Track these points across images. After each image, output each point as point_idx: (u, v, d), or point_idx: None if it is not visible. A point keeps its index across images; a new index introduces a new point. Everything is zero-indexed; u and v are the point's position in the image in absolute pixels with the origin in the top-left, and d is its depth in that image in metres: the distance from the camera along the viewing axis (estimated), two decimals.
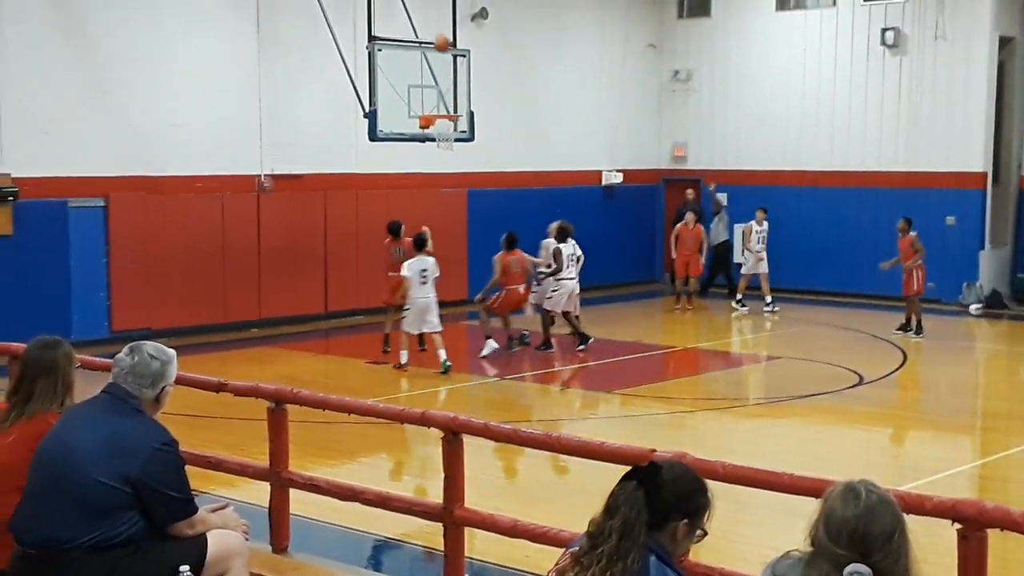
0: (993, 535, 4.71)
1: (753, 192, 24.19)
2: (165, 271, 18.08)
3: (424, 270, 15.40)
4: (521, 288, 17.17)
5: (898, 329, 18.71)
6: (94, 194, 17.46)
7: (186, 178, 18.33)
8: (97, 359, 7.65)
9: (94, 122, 17.36)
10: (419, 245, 15.60)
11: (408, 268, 15.40)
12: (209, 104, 18.45)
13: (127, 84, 17.67)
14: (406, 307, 15.52)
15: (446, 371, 15.21)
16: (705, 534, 3.68)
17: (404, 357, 15.59)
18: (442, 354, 15.36)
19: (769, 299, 21.48)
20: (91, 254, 17.48)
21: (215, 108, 18.53)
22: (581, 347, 17.31)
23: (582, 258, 18.22)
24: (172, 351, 5.15)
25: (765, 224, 21.71)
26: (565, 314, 17.42)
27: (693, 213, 21.91)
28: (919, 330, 18.60)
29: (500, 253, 17.10)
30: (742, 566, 5.33)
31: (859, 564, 3.12)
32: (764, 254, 21.66)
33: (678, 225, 22.05)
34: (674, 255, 21.92)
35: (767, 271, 21.67)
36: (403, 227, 16.87)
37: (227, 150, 18.72)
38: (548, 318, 17.32)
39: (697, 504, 3.66)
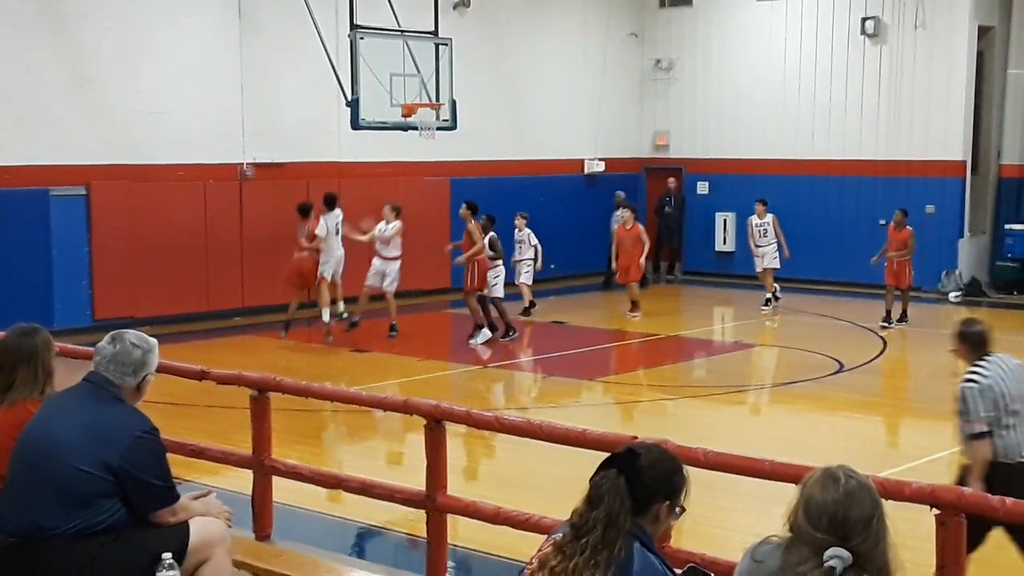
0: None
1: (734, 181, 24.28)
2: (147, 260, 18.02)
3: (337, 223, 16.94)
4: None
5: (884, 322, 18.53)
6: (76, 182, 17.39)
7: (168, 166, 18.27)
8: (79, 347, 7.64)
9: (75, 110, 17.29)
10: (329, 203, 16.97)
11: (324, 222, 16.77)
12: (191, 92, 18.38)
13: (108, 72, 17.59)
14: (323, 260, 16.84)
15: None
16: (684, 511, 3.72)
17: (327, 315, 16.69)
18: (341, 305, 17.21)
19: (768, 295, 20.51)
20: (73, 243, 17.41)
21: (197, 96, 18.46)
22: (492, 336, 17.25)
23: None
24: (154, 340, 5.15)
25: (767, 217, 20.69)
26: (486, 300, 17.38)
27: (630, 210, 20.03)
28: (903, 318, 18.55)
29: (475, 222, 16.98)
30: (723, 552, 5.37)
31: (839, 548, 3.16)
32: (768, 249, 20.57)
33: (615, 227, 20.51)
34: (614, 265, 20.18)
35: (771, 266, 20.61)
36: (312, 208, 17.12)
37: (209, 138, 18.66)
38: (500, 306, 17.30)
39: (676, 484, 3.71)
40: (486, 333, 16.76)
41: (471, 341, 16.63)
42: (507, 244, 18.51)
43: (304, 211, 17.09)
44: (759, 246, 20.79)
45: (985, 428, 6.75)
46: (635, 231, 19.54)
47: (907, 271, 18.50)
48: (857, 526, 3.19)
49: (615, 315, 19.77)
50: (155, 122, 18.01)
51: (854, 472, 3.31)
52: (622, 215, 20.48)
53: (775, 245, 20.68)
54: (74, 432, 4.82)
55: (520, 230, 19.40)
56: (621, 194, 22.31)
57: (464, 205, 17.21)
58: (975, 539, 6.03)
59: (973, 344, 7.04)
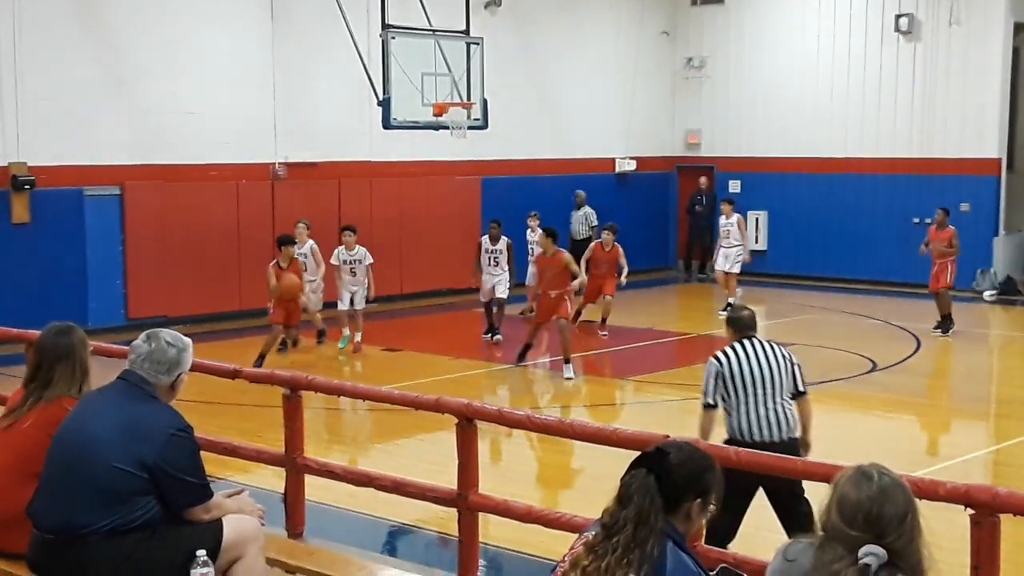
0: (1006, 520, 4.73)
1: (766, 179, 24.19)
2: (181, 259, 18.15)
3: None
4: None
5: (935, 329, 17.74)
6: (110, 183, 17.54)
7: (201, 166, 18.39)
8: (114, 346, 7.70)
9: (110, 111, 17.42)
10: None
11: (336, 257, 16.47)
12: (224, 92, 18.49)
13: (143, 73, 17.72)
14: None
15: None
16: (718, 507, 3.71)
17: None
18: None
19: (731, 299, 18.89)
20: (107, 242, 17.55)
21: (230, 96, 18.57)
22: (489, 336, 17.21)
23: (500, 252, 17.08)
24: (188, 339, 5.18)
25: (733, 217, 19.96)
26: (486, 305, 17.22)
27: (610, 232, 17.81)
28: (946, 326, 17.62)
29: (559, 250, 15.17)
30: (754, 551, 5.35)
31: (874, 545, 3.15)
32: (731, 251, 19.78)
33: (592, 245, 18.29)
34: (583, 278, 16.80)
35: (733, 271, 19.76)
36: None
37: (242, 138, 18.77)
38: (503, 308, 17.20)
39: (708, 482, 3.70)
40: (570, 369, 14.54)
41: (567, 376, 14.49)
42: (520, 245, 18.35)
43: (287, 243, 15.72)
44: (722, 247, 20.04)
45: (709, 402, 7.51)
46: (615, 253, 17.68)
47: (947, 272, 17.72)
48: (892, 523, 3.18)
49: (646, 314, 19.70)
50: (188, 122, 18.13)
51: (887, 470, 3.31)
52: (585, 216, 19.83)
53: (739, 248, 19.88)
54: (110, 430, 4.86)
55: (533, 231, 18.94)
56: (582, 193, 21.51)
57: (543, 233, 15.37)
58: (736, 510, 7.00)
59: (736, 328, 7.78)
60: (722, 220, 20.26)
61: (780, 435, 7.36)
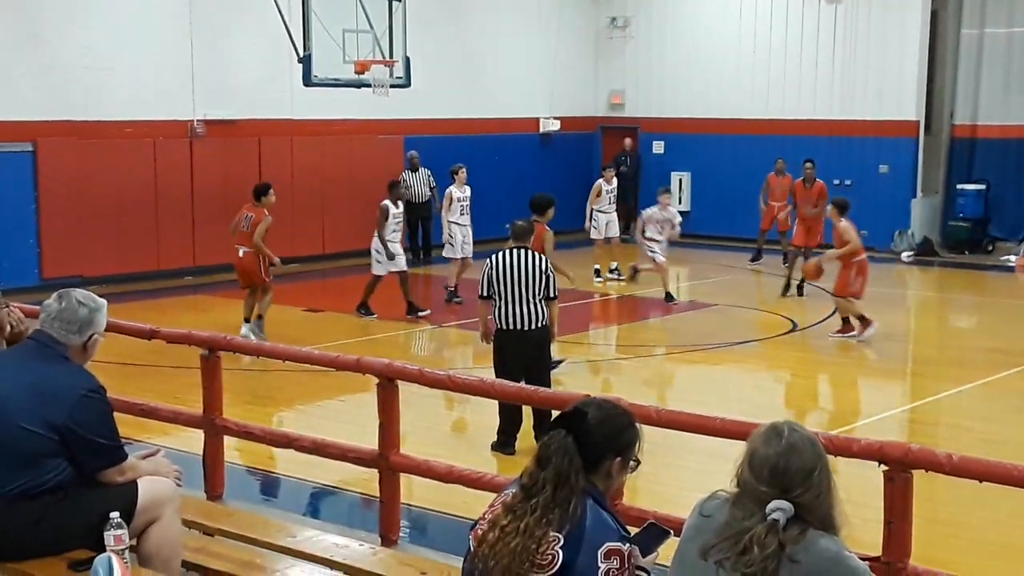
0: (920, 476, 4.81)
1: (690, 140, 24.31)
2: (96, 218, 17.82)
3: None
4: None
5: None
6: (22, 139, 17.13)
7: (117, 123, 18.03)
8: (26, 306, 7.53)
9: (22, 65, 17.00)
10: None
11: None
12: (140, 48, 18.12)
13: (56, 27, 17.30)
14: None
15: None
16: (639, 463, 3.71)
17: None
18: None
19: (614, 264, 19.15)
20: (20, 200, 17.17)
21: (146, 52, 18.20)
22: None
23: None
24: (102, 300, 5.07)
25: (615, 183, 19.47)
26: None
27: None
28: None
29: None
30: (674, 508, 5.39)
31: (781, 500, 3.18)
32: (612, 216, 19.16)
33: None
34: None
35: (615, 235, 19.30)
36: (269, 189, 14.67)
37: (159, 95, 18.42)
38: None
39: (627, 439, 3.69)
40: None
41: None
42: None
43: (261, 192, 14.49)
44: (605, 213, 19.10)
45: (483, 294, 9.58)
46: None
47: (822, 229, 17.78)
48: (797, 477, 3.21)
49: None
50: (103, 78, 17.75)
51: (799, 426, 3.34)
52: (426, 177, 19.19)
53: (616, 214, 19.45)
54: (18, 390, 4.76)
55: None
56: (416, 154, 20.40)
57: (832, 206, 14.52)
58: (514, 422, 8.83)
59: (511, 236, 9.69)
60: (605, 186, 19.21)
61: (531, 325, 9.39)
